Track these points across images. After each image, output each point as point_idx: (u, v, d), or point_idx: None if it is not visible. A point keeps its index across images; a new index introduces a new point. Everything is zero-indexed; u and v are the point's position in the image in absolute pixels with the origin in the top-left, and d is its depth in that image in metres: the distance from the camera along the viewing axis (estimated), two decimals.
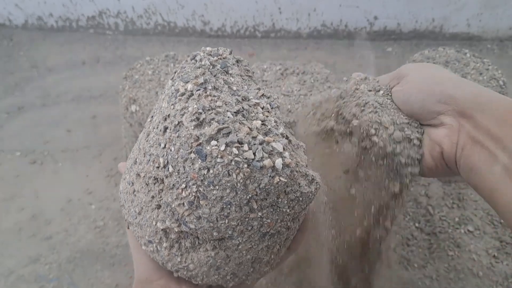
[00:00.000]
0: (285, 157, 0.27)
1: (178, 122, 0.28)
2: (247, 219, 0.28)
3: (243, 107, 0.29)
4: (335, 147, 0.40)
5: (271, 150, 0.27)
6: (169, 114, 0.29)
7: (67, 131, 1.03)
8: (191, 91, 0.29)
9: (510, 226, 0.28)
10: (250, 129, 0.27)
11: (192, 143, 0.26)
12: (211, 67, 0.32)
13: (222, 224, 0.28)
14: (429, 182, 0.84)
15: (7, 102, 1.15)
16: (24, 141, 1.01)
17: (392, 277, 0.68)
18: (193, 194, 0.27)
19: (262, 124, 0.29)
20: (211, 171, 0.26)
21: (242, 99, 0.30)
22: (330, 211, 0.43)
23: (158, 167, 0.30)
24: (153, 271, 0.35)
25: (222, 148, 0.26)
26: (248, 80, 0.34)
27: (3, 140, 1.02)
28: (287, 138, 0.30)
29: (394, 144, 0.35)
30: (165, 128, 0.29)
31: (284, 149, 0.28)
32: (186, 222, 0.29)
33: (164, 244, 0.32)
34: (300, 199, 0.29)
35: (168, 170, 0.28)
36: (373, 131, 0.35)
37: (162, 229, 0.31)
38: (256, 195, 0.27)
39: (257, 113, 0.30)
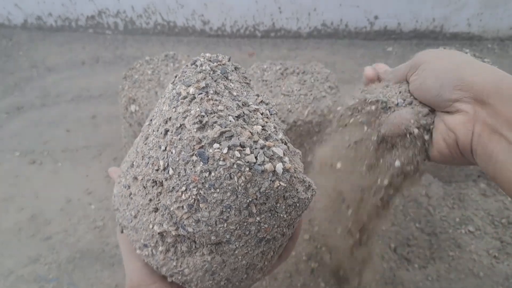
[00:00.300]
0: (285, 161, 0.27)
1: (180, 125, 0.28)
2: (245, 224, 0.28)
3: (243, 112, 0.30)
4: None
5: (271, 155, 0.27)
6: (170, 117, 0.29)
7: (66, 131, 1.03)
8: (193, 94, 0.29)
9: None
10: (252, 133, 0.28)
11: (194, 145, 0.27)
12: (211, 72, 0.32)
13: (221, 228, 0.28)
14: (430, 182, 0.83)
15: (7, 102, 1.14)
16: (24, 141, 1.01)
17: (392, 277, 0.68)
18: (193, 197, 0.27)
19: (262, 129, 0.29)
20: (212, 173, 0.26)
21: (243, 105, 0.31)
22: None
23: (157, 170, 0.29)
24: (146, 276, 0.35)
25: (225, 151, 0.26)
26: (246, 86, 0.34)
27: (3, 140, 1.02)
28: (285, 144, 0.30)
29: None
30: (166, 131, 0.29)
31: (284, 154, 0.28)
32: (185, 225, 0.29)
33: (160, 248, 0.32)
34: (297, 204, 0.30)
35: (168, 172, 0.28)
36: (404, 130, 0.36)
37: (158, 233, 0.31)
38: (256, 199, 0.27)
39: (257, 118, 0.30)
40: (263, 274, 0.35)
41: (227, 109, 0.29)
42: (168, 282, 0.35)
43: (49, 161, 0.95)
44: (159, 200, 0.30)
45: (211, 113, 0.28)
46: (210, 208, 0.27)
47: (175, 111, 0.29)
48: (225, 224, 0.28)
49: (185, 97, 0.29)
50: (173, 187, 0.28)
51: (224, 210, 0.27)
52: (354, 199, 0.44)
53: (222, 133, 0.27)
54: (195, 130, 0.27)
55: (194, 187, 0.27)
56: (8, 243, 0.77)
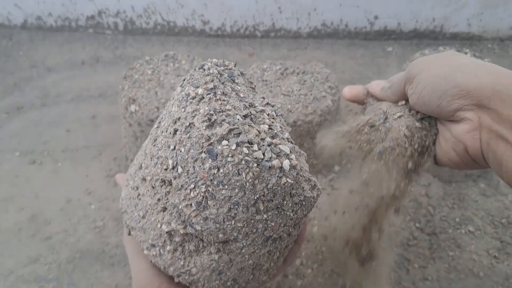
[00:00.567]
0: (291, 158, 0.28)
1: (189, 124, 0.28)
2: (252, 221, 0.29)
3: (250, 112, 0.30)
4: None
5: (278, 152, 0.28)
6: (179, 117, 0.30)
7: (66, 131, 1.03)
8: (201, 95, 0.30)
9: None
10: (259, 131, 0.28)
11: (203, 143, 0.27)
12: (219, 75, 0.33)
13: (228, 226, 0.29)
14: (430, 182, 0.83)
15: (7, 102, 1.14)
16: (24, 141, 1.01)
17: (392, 277, 0.68)
18: (202, 194, 0.28)
19: (269, 128, 0.30)
20: (221, 170, 0.27)
21: (249, 105, 0.32)
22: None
23: (166, 169, 0.30)
24: (153, 277, 0.35)
25: (233, 147, 0.27)
26: (252, 90, 0.35)
27: (3, 140, 1.02)
28: (292, 143, 0.31)
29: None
30: (175, 131, 0.30)
31: (290, 151, 0.29)
32: (193, 223, 0.30)
33: (168, 248, 0.32)
34: (303, 203, 0.30)
35: (177, 171, 0.29)
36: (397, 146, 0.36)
37: (166, 232, 0.32)
38: (263, 195, 0.28)
39: (263, 118, 0.31)
40: (268, 276, 0.35)
41: (234, 108, 0.29)
42: (175, 283, 0.35)
43: (49, 161, 0.95)
44: (167, 199, 0.31)
45: (219, 111, 0.28)
46: (218, 205, 0.28)
47: (184, 111, 0.29)
48: (233, 222, 0.28)
49: (193, 98, 0.30)
50: (181, 185, 0.29)
51: (232, 207, 0.28)
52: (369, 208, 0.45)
53: (230, 131, 0.27)
54: (204, 128, 0.27)
55: (202, 184, 0.28)
56: (8, 243, 0.77)
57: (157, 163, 0.31)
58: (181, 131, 0.29)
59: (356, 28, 1.32)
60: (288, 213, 0.30)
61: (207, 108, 0.28)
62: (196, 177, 0.28)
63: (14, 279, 0.70)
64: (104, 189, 0.87)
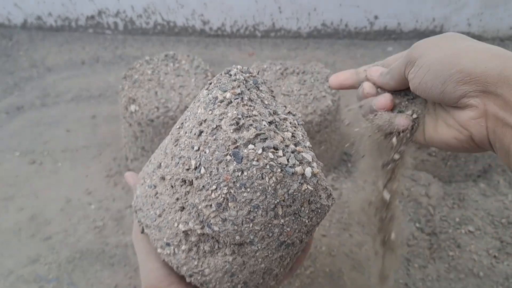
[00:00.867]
0: (313, 166, 0.29)
1: (216, 126, 0.29)
2: (270, 225, 0.29)
3: (275, 119, 0.31)
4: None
5: (301, 159, 0.29)
6: (205, 119, 0.30)
7: (66, 131, 1.03)
8: (229, 99, 0.31)
9: None
10: (283, 138, 0.29)
11: (229, 145, 0.28)
12: (244, 81, 0.34)
13: (246, 228, 0.29)
14: (430, 182, 0.83)
15: (7, 102, 1.14)
16: (24, 141, 1.01)
17: (392, 277, 0.68)
18: (223, 195, 0.29)
19: (292, 136, 0.31)
20: (245, 173, 0.27)
21: (273, 113, 0.33)
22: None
23: (188, 169, 0.31)
24: (163, 277, 0.34)
25: (259, 151, 0.27)
26: (273, 99, 0.37)
27: (3, 140, 1.02)
28: (312, 152, 0.32)
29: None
30: (200, 132, 0.30)
31: (312, 159, 0.30)
32: (211, 224, 0.30)
33: (183, 247, 0.33)
34: (319, 211, 0.31)
35: (199, 171, 0.29)
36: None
37: (183, 231, 0.32)
38: (284, 200, 0.28)
39: (286, 126, 0.32)
40: (276, 282, 0.36)
41: (260, 114, 0.31)
42: (185, 284, 0.34)
43: (49, 161, 0.95)
44: (186, 199, 0.31)
45: (247, 116, 0.29)
46: (238, 207, 0.28)
47: (211, 113, 0.30)
48: (251, 224, 0.29)
49: (221, 101, 0.31)
50: (203, 186, 0.29)
51: (251, 209, 0.28)
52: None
53: (257, 135, 0.28)
54: (231, 131, 0.28)
55: (225, 186, 0.28)
56: (8, 243, 0.77)
57: (178, 162, 0.32)
58: (207, 133, 0.29)
59: (356, 28, 1.32)
60: (304, 220, 0.30)
61: (235, 112, 0.29)
62: (219, 179, 0.28)
63: (14, 279, 0.70)
64: (104, 189, 0.87)
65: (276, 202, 0.28)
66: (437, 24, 1.27)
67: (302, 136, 0.32)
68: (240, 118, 0.29)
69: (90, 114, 1.08)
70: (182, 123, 0.35)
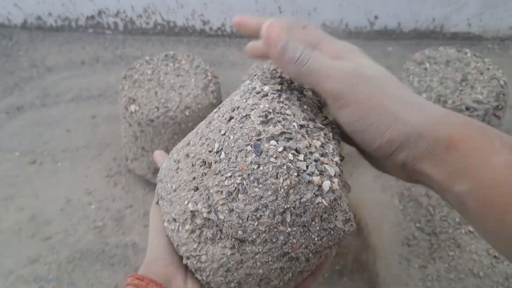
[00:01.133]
0: (333, 182, 0.27)
1: (246, 115, 0.29)
2: (275, 230, 0.28)
3: (308, 125, 0.30)
4: None
5: (322, 170, 0.27)
6: (238, 106, 0.30)
7: (66, 131, 1.03)
8: (266, 92, 0.30)
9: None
10: (310, 144, 0.28)
11: (253, 136, 0.27)
12: (289, 81, 0.33)
13: (250, 225, 0.28)
14: None
15: (7, 102, 1.14)
16: (24, 141, 1.01)
17: (392, 277, 0.68)
18: (235, 185, 0.28)
19: (321, 146, 0.29)
20: (261, 168, 0.27)
21: (309, 119, 0.32)
22: None
23: (210, 151, 0.30)
24: (167, 254, 0.34)
25: (280, 149, 0.27)
26: (316, 108, 0.35)
27: (2, 140, 1.02)
28: (340, 169, 0.30)
29: None
30: (231, 118, 0.30)
31: (335, 175, 0.28)
32: (218, 211, 0.29)
33: (187, 226, 0.32)
34: (332, 232, 0.29)
35: (219, 155, 0.29)
36: None
37: (191, 211, 0.32)
38: (294, 208, 0.27)
39: (319, 135, 0.31)
40: None
41: (293, 115, 0.30)
42: (184, 268, 0.34)
43: (49, 161, 0.95)
44: (202, 180, 0.31)
45: (278, 112, 0.29)
46: (247, 201, 0.28)
47: (245, 101, 0.30)
48: (256, 223, 0.28)
49: (258, 92, 0.30)
50: (219, 171, 0.29)
51: (260, 207, 0.27)
52: None
53: (282, 133, 0.27)
54: (258, 122, 0.28)
55: (239, 175, 0.28)
56: (8, 243, 0.77)
57: (204, 143, 0.32)
58: (235, 120, 0.29)
59: (356, 28, 1.32)
60: (313, 236, 0.29)
61: (267, 105, 0.29)
62: (235, 167, 0.28)
63: (14, 279, 0.70)
64: (104, 189, 0.87)
65: (286, 207, 0.27)
66: (437, 24, 1.27)
67: (333, 150, 0.31)
68: (270, 112, 0.28)
69: (90, 114, 1.08)
70: (220, 108, 0.35)
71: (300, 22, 0.33)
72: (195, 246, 0.32)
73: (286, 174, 0.26)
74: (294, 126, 0.29)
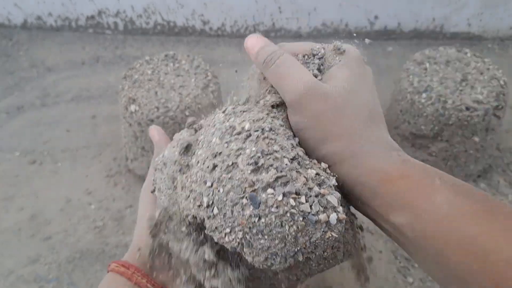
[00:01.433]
0: (338, 212, 0.26)
1: (232, 163, 0.27)
2: (287, 269, 0.27)
3: (298, 154, 0.28)
4: None
5: (326, 204, 0.26)
6: (221, 152, 0.28)
7: (66, 131, 1.03)
8: (248, 131, 0.28)
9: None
10: (306, 179, 0.27)
11: (246, 188, 0.25)
12: (262, 96, 0.32)
13: (261, 272, 0.27)
14: None
15: (7, 102, 1.14)
16: (24, 141, 1.01)
17: (391, 278, 0.68)
18: (238, 240, 0.26)
19: (316, 174, 0.28)
20: (262, 220, 0.25)
21: (297, 144, 0.30)
22: None
23: (199, 206, 0.28)
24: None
25: (280, 198, 0.25)
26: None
27: (2, 140, 1.02)
28: (338, 191, 0.28)
29: None
30: (214, 166, 0.27)
31: (338, 203, 0.27)
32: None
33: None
34: (331, 262, 0.28)
35: (212, 211, 0.27)
36: None
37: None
38: (305, 248, 0.26)
39: (310, 161, 0.29)
40: None
41: (282, 149, 0.28)
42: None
43: (49, 161, 0.95)
44: (199, 236, 0.29)
45: (267, 154, 0.26)
46: (254, 253, 0.26)
47: (227, 146, 0.28)
48: (267, 270, 0.27)
49: (239, 133, 0.28)
50: (216, 227, 0.27)
51: (269, 257, 0.26)
52: None
53: (277, 178, 0.25)
54: (249, 171, 0.26)
55: (240, 230, 0.26)
56: (8, 243, 0.77)
57: (189, 196, 0.29)
58: (221, 169, 0.27)
59: (356, 28, 1.32)
60: (312, 263, 0.28)
61: (254, 149, 0.26)
62: (233, 222, 0.26)
63: (14, 279, 0.70)
64: (104, 189, 0.87)
65: (296, 250, 0.26)
66: (437, 24, 1.27)
67: (325, 169, 0.29)
68: (259, 157, 0.26)
69: (90, 114, 1.08)
70: (196, 145, 0.32)
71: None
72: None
73: (291, 221, 0.25)
74: (286, 164, 0.26)
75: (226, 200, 0.26)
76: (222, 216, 0.26)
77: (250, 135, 0.28)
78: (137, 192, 0.87)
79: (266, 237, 0.25)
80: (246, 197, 0.25)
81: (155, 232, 0.33)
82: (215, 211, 0.26)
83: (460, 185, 0.26)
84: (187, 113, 0.77)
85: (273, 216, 0.25)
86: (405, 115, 0.83)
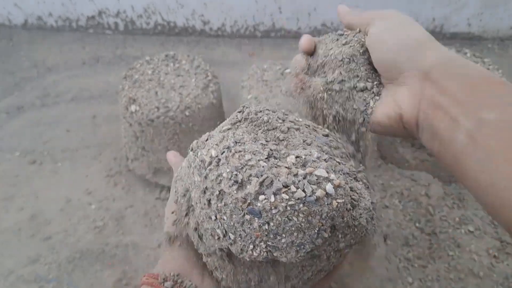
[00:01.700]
0: (332, 179, 0.27)
1: (219, 191, 0.28)
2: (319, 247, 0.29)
3: (271, 149, 0.29)
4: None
5: (316, 180, 0.27)
6: (206, 187, 0.29)
7: (66, 131, 1.03)
8: (216, 156, 0.29)
9: (472, 192, 0.26)
10: (288, 167, 0.27)
11: (241, 205, 0.27)
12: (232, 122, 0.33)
13: (299, 257, 0.28)
14: (430, 182, 0.83)
15: (7, 102, 1.14)
16: (24, 141, 1.01)
17: (392, 277, 0.68)
18: (264, 250, 0.27)
19: (296, 157, 0.28)
20: (271, 223, 0.26)
21: (266, 140, 0.30)
22: None
23: (219, 239, 0.29)
24: (183, 251, 0.34)
25: (272, 199, 0.26)
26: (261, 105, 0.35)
27: (3, 140, 1.02)
28: (325, 160, 0.29)
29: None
30: (209, 201, 0.29)
31: (327, 172, 0.27)
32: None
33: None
34: (355, 230, 0.29)
35: (230, 238, 0.28)
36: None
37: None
38: (322, 225, 0.27)
39: (287, 146, 0.30)
40: None
41: (254, 154, 0.28)
42: (202, 266, 0.34)
43: (49, 161, 0.95)
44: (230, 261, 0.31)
45: (241, 167, 0.27)
46: (285, 252, 0.27)
47: (207, 179, 0.29)
48: (302, 257, 0.28)
49: (210, 162, 0.29)
50: (241, 249, 0.28)
51: (298, 249, 0.27)
52: None
53: (261, 183, 0.26)
54: (235, 191, 0.27)
55: (260, 241, 0.27)
56: (8, 243, 0.77)
57: (208, 234, 0.31)
58: (215, 200, 0.28)
59: None
60: (337, 233, 0.29)
61: (228, 170, 0.27)
62: (251, 238, 0.27)
63: (14, 279, 0.70)
64: (104, 189, 0.87)
65: (317, 230, 0.27)
66: (437, 24, 1.27)
67: (305, 139, 0.30)
68: (236, 174, 0.27)
69: (90, 114, 1.08)
70: (187, 191, 0.33)
71: None
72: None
73: (295, 211, 0.26)
74: (263, 166, 0.27)
75: (233, 223, 0.27)
76: (239, 238, 0.28)
77: (219, 159, 0.29)
78: (137, 192, 0.87)
79: (284, 235, 0.26)
80: (246, 213, 0.26)
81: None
82: (232, 236, 0.28)
83: None
84: (187, 113, 0.77)
85: (278, 216, 0.26)
86: None
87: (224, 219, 0.28)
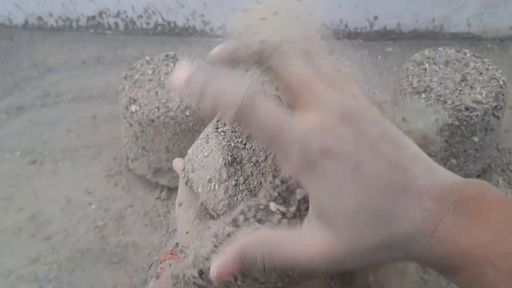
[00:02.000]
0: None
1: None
2: None
3: (208, 221, 0.31)
4: None
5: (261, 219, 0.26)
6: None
7: (66, 131, 1.03)
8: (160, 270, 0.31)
9: None
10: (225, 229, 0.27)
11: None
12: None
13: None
14: None
15: (7, 102, 1.14)
16: (24, 141, 1.01)
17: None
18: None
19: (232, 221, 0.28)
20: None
21: (200, 212, 0.32)
22: None
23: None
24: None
25: (227, 231, 0.26)
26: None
27: (3, 140, 1.02)
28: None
29: None
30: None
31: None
32: None
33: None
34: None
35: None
36: None
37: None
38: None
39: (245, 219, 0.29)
40: None
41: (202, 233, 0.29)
42: None
43: (49, 161, 0.95)
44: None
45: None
46: None
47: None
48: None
49: (157, 277, 0.30)
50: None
51: None
52: None
53: (213, 250, 0.26)
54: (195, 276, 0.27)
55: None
56: (8, 243, 0.77)
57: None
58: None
59: (356, 29, 1.32)
60: None
61: (172, 272, 0.29)
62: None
63: (14, 279, 0.71)
64: (104, 189, 0.87)
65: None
66: (437, 24, 1.27)
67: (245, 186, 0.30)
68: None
69: (90, 114, 1.08)
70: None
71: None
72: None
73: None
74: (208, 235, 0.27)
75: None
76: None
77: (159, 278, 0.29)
78: (137, 192, 0.87)
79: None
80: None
81: None
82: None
83: None
84: (187, 113, 0.77)
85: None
86: None
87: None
